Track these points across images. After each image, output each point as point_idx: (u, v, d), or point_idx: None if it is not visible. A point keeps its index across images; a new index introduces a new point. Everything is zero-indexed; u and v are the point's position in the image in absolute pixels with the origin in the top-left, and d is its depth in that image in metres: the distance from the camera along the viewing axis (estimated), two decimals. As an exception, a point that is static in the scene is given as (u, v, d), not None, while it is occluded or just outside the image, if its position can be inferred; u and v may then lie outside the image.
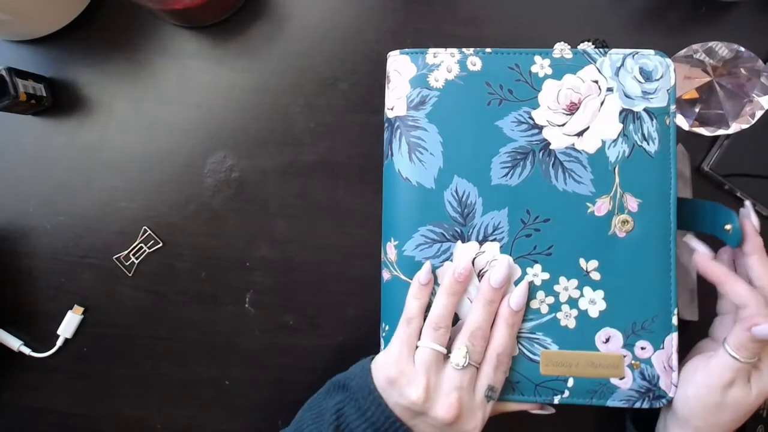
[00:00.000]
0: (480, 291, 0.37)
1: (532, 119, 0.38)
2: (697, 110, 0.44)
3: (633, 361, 0.37)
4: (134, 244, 0.48)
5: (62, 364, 0.49)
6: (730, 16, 0.46)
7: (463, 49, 0.38)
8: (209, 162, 0.48)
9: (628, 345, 0.37)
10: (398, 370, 0.35)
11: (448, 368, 0.35)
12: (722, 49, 0.43)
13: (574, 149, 0.38)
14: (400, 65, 0.39)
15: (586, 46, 0.38)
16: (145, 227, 0.48)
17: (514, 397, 0.38)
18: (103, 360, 0.48)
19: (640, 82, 0.37)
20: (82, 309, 0.48)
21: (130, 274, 0.48)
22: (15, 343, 0.48)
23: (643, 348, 0.37)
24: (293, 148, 0.47)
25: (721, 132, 0.44)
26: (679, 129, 0.44)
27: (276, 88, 0.48)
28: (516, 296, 0.37)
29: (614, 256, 0.37)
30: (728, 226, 0.36)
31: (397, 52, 0.39)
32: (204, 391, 0.48)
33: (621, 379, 0.37)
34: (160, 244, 0.48)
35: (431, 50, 0.39)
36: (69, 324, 0.48)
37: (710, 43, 0.43)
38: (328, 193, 0.47)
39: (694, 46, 0.44)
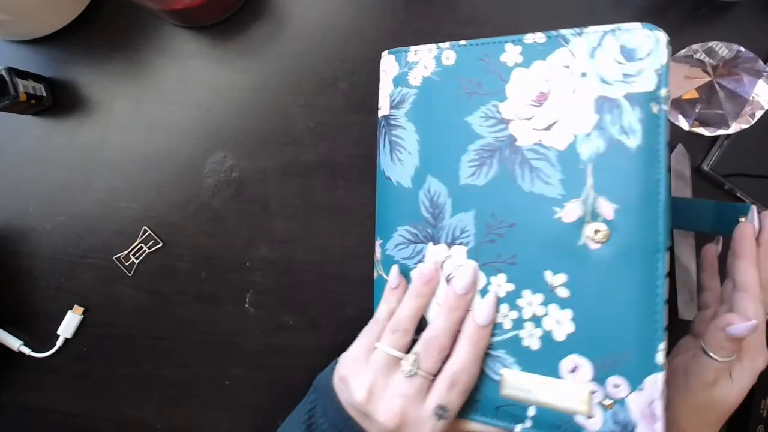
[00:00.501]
0: (444, 297, 0.35)
1: (500, 113, 0.34)
2: (697, 110, 0.44)
3: (605, 400, 0.31)
4: (134, 244, 0.48)
5: (62, 364, 0.49)
6: (730, 16, 0.46)
7: (440, 44, 0.36)
8: (209, 162, 0.48)
9: (599, 379, 0.31)
10: (351, 369, 0.35)
11: (398, 374, 0.34)
12: (722, 49, 0.43)
13: (542, 145, 0.32)
14: (387, 65, 0.38)
15: None
16: (145, 227, 0.48)
17: (475, 417, 0.34)
18: (103, 360, 0.48)
19: (620, 63, 0.31)
20: (82, 309, 0.48)
21: (130, 274, 0.48)
22: (15, 343, 0.48)
23: (616, 385, 0.30)
24: (293, 148, 0.47)
25: (721, 132, 0.43)
26: (679, 129, 0.44)
27: (276, 88, 0.48)
28: (482, 310, 0.33)
29: (586, 271, 0.31)
30: (743, 218, 0.35)
31: (386, 52, 0.39)
32: (204, 391, 0.48)
33: (589, 418, 0.31)
34: (160, 244, 0.48)
35: (413, 48, 0.37)
36: (69, 324, 0.48)
37: (710, 43, 0.43)
38: (328, 193, 0.47)
39: (694, 46, 0.44)
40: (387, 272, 0.38)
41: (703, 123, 0.44)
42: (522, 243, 0.33)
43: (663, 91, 0.30)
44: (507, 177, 0.33)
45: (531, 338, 0.33)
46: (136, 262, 0.48)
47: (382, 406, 0.33)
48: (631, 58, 0.30)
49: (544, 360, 0.32)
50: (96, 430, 0.49)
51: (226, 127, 0.48)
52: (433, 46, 0.37)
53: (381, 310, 0.37)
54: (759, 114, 0.43)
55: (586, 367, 0.31)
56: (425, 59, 0.37)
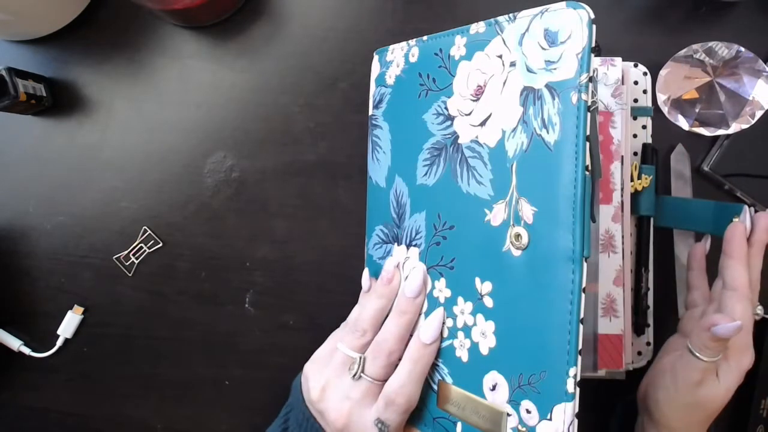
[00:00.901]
0: (395, 301, 0.34)
1: (447, 110, 0.32)
2: (697, 110, 0.44)
3: (520, 426, 0.27)
4: (134, 244, 0.48)
5: (62, 364, 0.49)
6: (730, 16, 0.46)
7: (410, 41, 0.35)
8: (209, 162, 0.48)
9: (514, 401, 0.28)
10: (312, 367, 0.36)
11: (348, 375, 0.34)
12: (722, 49, 0.43)
13: (478, 143, 0.30)
14: (374, 65, 0.38)
15: None
16: (145, 227, 0.48)
17: (419, 426, 0.33)
18: (103, 360, 0.48)
19: (543, 48, 0.27)
20: (82, 309, 0.48)
21: (130, 274, 0.48)
22: (15, 343, 0.48)
23: (528, 411, 0.27)
24: (293, 148, 0.47)
25: (721, 132, 0.43)
26: (679, 129, 0.44)
27: (276, 88, 0.48)
28: (427, 327, 0.32)
29: (508, 280, 0.28)
30: (737, 218, 0.36)
31: (375, 51, 0.39)
32: (204, 391, 0.48)
33: None
34: (160, 244, 0.48)
35: (392, 46, 0.36)
36: (69, 324, 0.48)
37: (710, 43, 0.43)
38: (328, 193, 0.47)
39: (694, 46, 0.44)
40: (370, 270, 0.38)
41: (703, 123, 0.44)
42: (459, 246, 0.31)
43: (583, 77, 0.26)
44: (450, 177, 0.31)
45: (462, 349, 0.31)
46: (136, 262, 0.48)
47: (332, 405, 0.33)
48: (554, 43, 0.27)
49: (471, 374, 0.30)
50: (96, 430, 0.49)
51: (226, 127, 0.48)
52: (404, 43, 0.35)
53: (352, 312, 0.37)
54: (759, 114, 0.43)
55: (503, 387, 0.28)
56: (398, 57, 0.36)
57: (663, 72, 0.44)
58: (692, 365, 0.34)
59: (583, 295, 0.26)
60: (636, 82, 0.44)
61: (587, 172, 0.26)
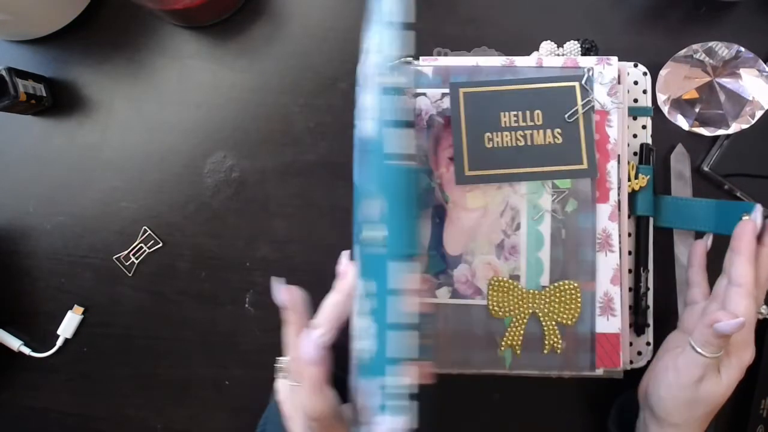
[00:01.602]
0: None
1: (362, 105, 0.33)
2: (697, 110, 0.44)
3: None
4: (134, 244, 0.48)
5: (62, 364, 0.49)
6: (730, 16, 0.46)
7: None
8: (209, 162, 0.48)
9: (379, 406, 0.27)
10: (284, 365, 0.36)
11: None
12: (722, 49, 0.43)
13: (360, 137, 0.31)
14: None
15: (573, 46, 0.36)
16: (145, 227, 0.48)
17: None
18: (103, 360, 0.48)
19: (381, 32, 0.28)
20: (82, 309, 0.48)
21: (130, 274, 0.48)
22: (15, 343, 0.48)
23: (380, 421, 0.27)
24: (293, 148, 0.47)
25: (721, 132, 0.44)
26: (679, 129, 0.44)
27: (276, 88, 0.48)
28: (305, 344, 0.32)
29: (375, 280, 0.28)
30: (747, 216, 0.36)
31: None
32: (204, 391, 0.48)
33: None
34: (160, 244, 0.48)
35: None
36: (69, 324, 0.48)
37: (710, 43, 0.43)
38: (328, 193, 0.47)
39: (694, 46, 0.44)
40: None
41: (703, 123, 0.44)
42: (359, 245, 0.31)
43: (391, 60, 0.26)
44: (358, 173, 0.32)
45: (362, 352, 0.30)
46: (136, 262, 0.48)
47: (285, 408, 0.34)
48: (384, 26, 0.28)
49: (365, 375, 0.30)
50: (96, 430, 0.49)
51: (226, 127, 0.48)
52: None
53: None
54: (759, 114, 0.43)
55: (374, 391, 0.28)
56: None
57: (663, 72, 0.44)
58: (694, 361, 0.34)
59: (392, 298, 0.25)
60: (636, 82, 0.44)
61: (410, 163, 0.25)
